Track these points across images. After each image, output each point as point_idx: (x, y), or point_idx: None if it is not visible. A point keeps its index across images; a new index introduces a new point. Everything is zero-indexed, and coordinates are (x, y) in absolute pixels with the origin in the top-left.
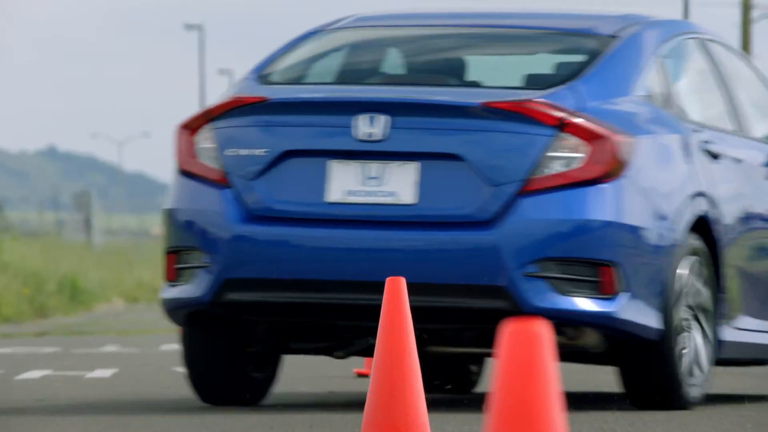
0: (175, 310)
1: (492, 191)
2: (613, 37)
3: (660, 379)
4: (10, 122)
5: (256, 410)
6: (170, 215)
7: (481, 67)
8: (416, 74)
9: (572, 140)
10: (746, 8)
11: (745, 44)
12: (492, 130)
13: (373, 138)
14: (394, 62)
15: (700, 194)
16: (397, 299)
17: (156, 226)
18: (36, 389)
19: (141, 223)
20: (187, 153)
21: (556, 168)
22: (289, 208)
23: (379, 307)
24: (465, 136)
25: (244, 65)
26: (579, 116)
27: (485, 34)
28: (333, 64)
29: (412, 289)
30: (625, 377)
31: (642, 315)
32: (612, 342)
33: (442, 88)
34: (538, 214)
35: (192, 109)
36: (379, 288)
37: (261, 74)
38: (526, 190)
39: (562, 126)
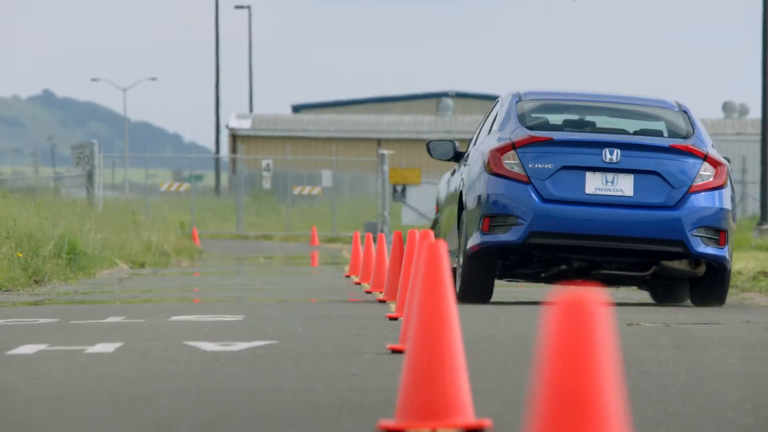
0: None
1: (673, 190)
2: (680, 109)
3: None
4: (1, 64)
5: (278, 392)
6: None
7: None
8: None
9: (708, 166)
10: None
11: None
12: (674, 160)
13: (613, 161)
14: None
15: None
16: (436, 264)
17: (165, 181)
18: (29, 366)
19: (148, 177)
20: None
21: (703, 180)
22: (559, 197)
23: None
24: (660, 161)
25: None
26: (710, 152)
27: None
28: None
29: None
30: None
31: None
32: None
33: (635, 136)
34: (699, 203)
35: (207, 52)
36: None
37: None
38: (690, 192)
39: (705, 158)
